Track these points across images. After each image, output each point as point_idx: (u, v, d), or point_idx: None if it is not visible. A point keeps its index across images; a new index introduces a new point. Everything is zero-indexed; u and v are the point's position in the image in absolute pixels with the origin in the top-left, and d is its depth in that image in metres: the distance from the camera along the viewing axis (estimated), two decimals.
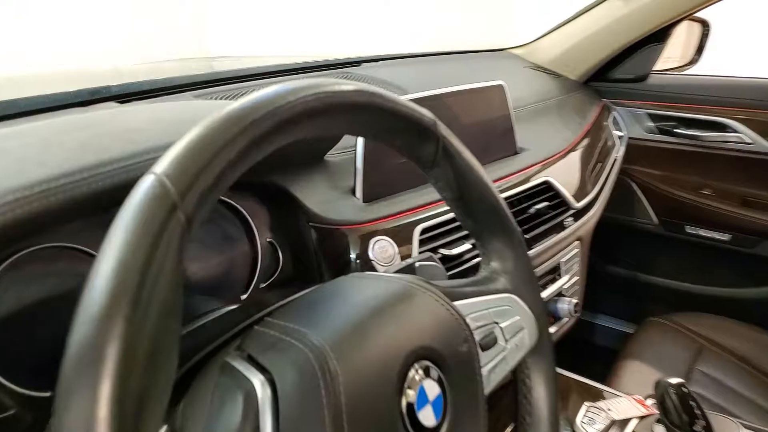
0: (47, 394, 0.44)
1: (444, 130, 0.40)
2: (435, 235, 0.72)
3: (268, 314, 0.34)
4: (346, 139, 0.75)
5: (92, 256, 0.48)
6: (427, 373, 0.29)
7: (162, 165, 0.23)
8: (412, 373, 0.29)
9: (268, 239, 0.67)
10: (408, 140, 0.37)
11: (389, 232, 0.69)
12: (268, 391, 0.26)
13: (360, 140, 0.73)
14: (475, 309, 0.38)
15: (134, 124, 0.52)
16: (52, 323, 0.45)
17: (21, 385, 0.43)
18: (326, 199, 0.69)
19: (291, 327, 0.29)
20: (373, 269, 0.65)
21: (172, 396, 0.22)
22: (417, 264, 0.54)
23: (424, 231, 0.72)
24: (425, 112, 0.38)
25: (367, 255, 0.66)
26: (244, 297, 0.64)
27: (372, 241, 0.67)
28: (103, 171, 0.40)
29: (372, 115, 0.33)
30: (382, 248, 0.67)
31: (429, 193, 0.76)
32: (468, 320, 0.36)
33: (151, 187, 0.22)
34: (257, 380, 0.26)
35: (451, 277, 0.68)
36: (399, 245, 0.69)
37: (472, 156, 0.43)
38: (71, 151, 0.42)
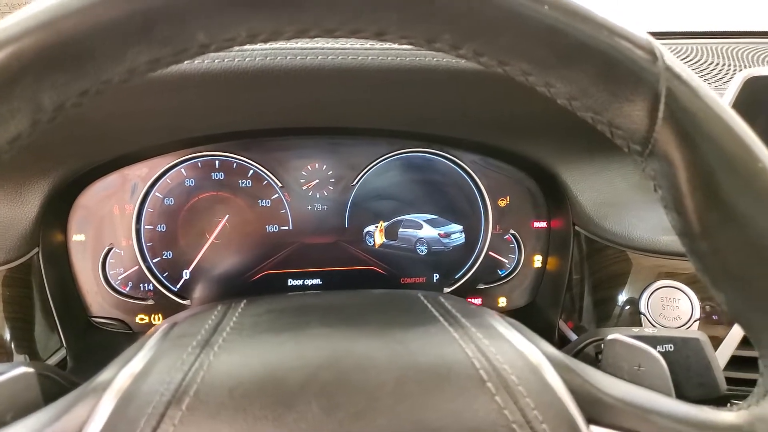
0: (187, 303, 0.51)
1: (673, 67, 0.18)
2: None
3: None
4: None
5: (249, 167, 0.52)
6: None
7: None
8: None
9: (511, 231, 0.53)
10: (586, 90, 0.18)
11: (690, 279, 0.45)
12: None
13: None
14: None
15: None
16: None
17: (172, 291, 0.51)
18: (610, 201, 0.48)
19: None
20: (638, 324, 0.45)
21: None
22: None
23: None
24: (636, 33, 0.18)
25: (638, 304, 0.45)
26: (447, 290, 0.53)
27: (656, 285, 0.45)
28: None
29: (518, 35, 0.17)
30: (668, 300, 0.45)
31: None
32: None
33: None
34: None
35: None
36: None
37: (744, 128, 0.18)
38: None
